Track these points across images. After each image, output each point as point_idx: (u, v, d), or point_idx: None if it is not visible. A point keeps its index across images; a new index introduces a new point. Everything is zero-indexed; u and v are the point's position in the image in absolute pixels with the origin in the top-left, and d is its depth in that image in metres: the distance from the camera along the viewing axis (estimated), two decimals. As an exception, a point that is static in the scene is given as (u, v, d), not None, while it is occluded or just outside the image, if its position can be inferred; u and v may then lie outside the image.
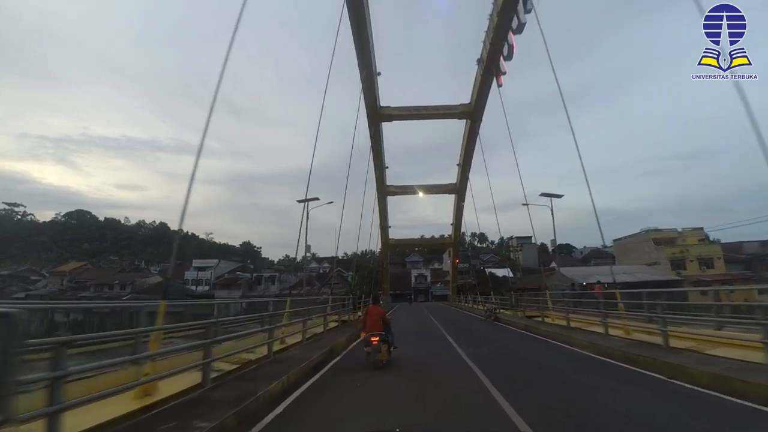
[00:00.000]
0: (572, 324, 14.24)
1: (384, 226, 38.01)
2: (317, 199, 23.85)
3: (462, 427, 4.69)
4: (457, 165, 31.34)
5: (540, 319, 17.25)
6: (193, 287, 67.71)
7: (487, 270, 65.83)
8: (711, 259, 54.79)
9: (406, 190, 34.60)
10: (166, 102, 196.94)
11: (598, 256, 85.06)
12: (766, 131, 6.78)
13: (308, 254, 23.74)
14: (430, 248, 46.48)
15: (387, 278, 46.44)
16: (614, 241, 62.29)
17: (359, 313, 24.84)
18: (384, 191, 33.83)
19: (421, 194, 34.27)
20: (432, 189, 34.54)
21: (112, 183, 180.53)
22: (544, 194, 24.12)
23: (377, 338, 8.42)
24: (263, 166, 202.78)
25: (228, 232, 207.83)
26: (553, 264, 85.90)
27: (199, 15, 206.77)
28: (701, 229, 58.45)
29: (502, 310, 22.82)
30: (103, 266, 75.75)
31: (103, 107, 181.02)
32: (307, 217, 24.14)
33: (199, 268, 71.78)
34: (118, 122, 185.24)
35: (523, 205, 25.92)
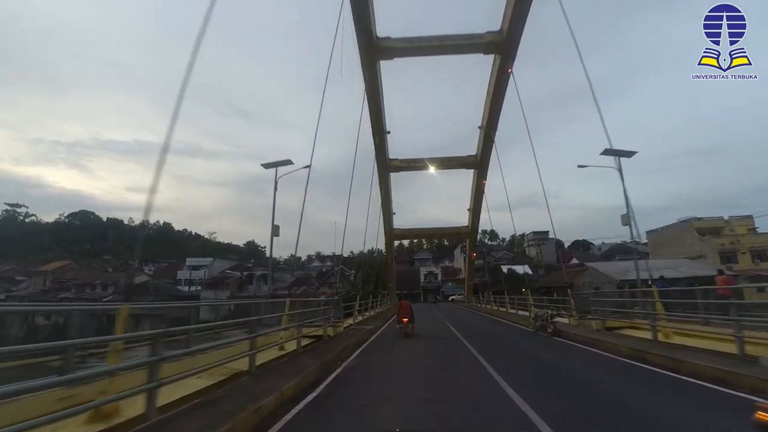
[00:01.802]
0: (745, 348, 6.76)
1: (387, 212, 30.62)
2: (290, 162, 16.89)
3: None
4: (479, 128, 23.86)
5: (650, 336, 9.65)
6: (186, 287, 61.00)
7: (506, 267, 58.05)
8: (764, 251, 46.51)
9: (414, 164, 27.16)
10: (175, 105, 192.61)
11: (622, 251, 76.62)
12: None
13: (276, 235, 16.60)
14: (441, 238, 38.09)
15: (392, 275, 39.00)
16: (648, 233, 54.24)
17: (350, 322, 17.69)
18: (386, 165, 26.45)
19: (432, 169, 26.86)
20: (447, 162, 27.01)
21: (123, 186, 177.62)
22: (607, 151, 16.80)
23: (407, 319, 14.06)
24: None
25: (236, 232, 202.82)
26: (572, 259, 77.68)
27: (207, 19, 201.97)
28: (750, 217, 50.02)
29: (558, 318, 15.24)
30: (94, 265, 69.57)
31: (114, 112, 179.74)
32: (276, 188, 17.26)
33: (193, 267, 65.09)
34: (128, 126, 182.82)
35: (580, 167, 18.65)
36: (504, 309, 25.41)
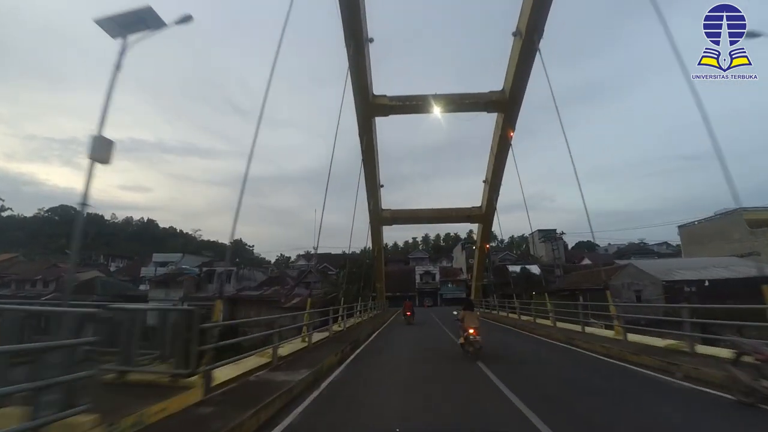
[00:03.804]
0: None
1: (371, 180, 21.03)
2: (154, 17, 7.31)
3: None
4: (513, 34, 14.55)
5: None
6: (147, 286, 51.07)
7: (513, 267, 48.65)
8: (828, 249, 37.34)
9: (410, 103, 17.58)
10: (173, 104, 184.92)
11: (636, 251, 67.61)
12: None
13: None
14: (446, 223, 27.91)
15: (381, 272, 29.45)
16: (680, 227, 45.22)
17: (269, 357, 8.15)
18: (368, 103, 17.00)
19: (437, 111, 17.35)
20: (459, 102, 17.29)
21: (117, 184, 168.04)
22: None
23: (410, 313, 19.76)
24: (268, 166, 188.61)
25: (229, 231, 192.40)
26: (584, 259, 68.11)
27: (204, 17, 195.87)
28: (808, 208, 40.95)
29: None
30: (51, 259, 59.33)
31: (110, 109, 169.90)
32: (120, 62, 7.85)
33: (160, 264, 55.17)
34: (123, 124, 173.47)
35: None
36: (547, 321, 15.96)
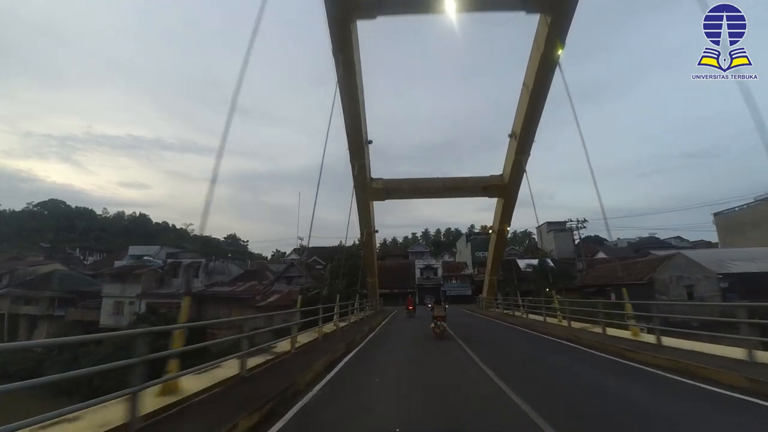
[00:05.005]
0: None
1: (354, 130, 14.50)
2: None
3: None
4: None
5: None
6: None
7: (526, 261, 42.45)
8: None
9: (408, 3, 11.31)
10: (171, 102, 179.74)
11: (651, 245, 61.18)
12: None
13: None
14: (457, 195, 20.56)
15: (373, 264, 23.06)
16: (715, 215, 38.98)
17: None
18: (343, 5, 10.71)
19: (451, 8, 11.10)
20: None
21: (116, 181, 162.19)
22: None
23: (411, 307, 21.92)
24: (268, 164, 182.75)
25: (229, 228, 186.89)
26: (598, 253, 61.62)
27: (203, 15, 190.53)
28: None
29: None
30: (22, 252, 53.12)
31: (107, 106, 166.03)
32: None
33: (137, 257, 48.90)
34: (122, 121, 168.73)
35: None
36: (623, 331, 9.68)
